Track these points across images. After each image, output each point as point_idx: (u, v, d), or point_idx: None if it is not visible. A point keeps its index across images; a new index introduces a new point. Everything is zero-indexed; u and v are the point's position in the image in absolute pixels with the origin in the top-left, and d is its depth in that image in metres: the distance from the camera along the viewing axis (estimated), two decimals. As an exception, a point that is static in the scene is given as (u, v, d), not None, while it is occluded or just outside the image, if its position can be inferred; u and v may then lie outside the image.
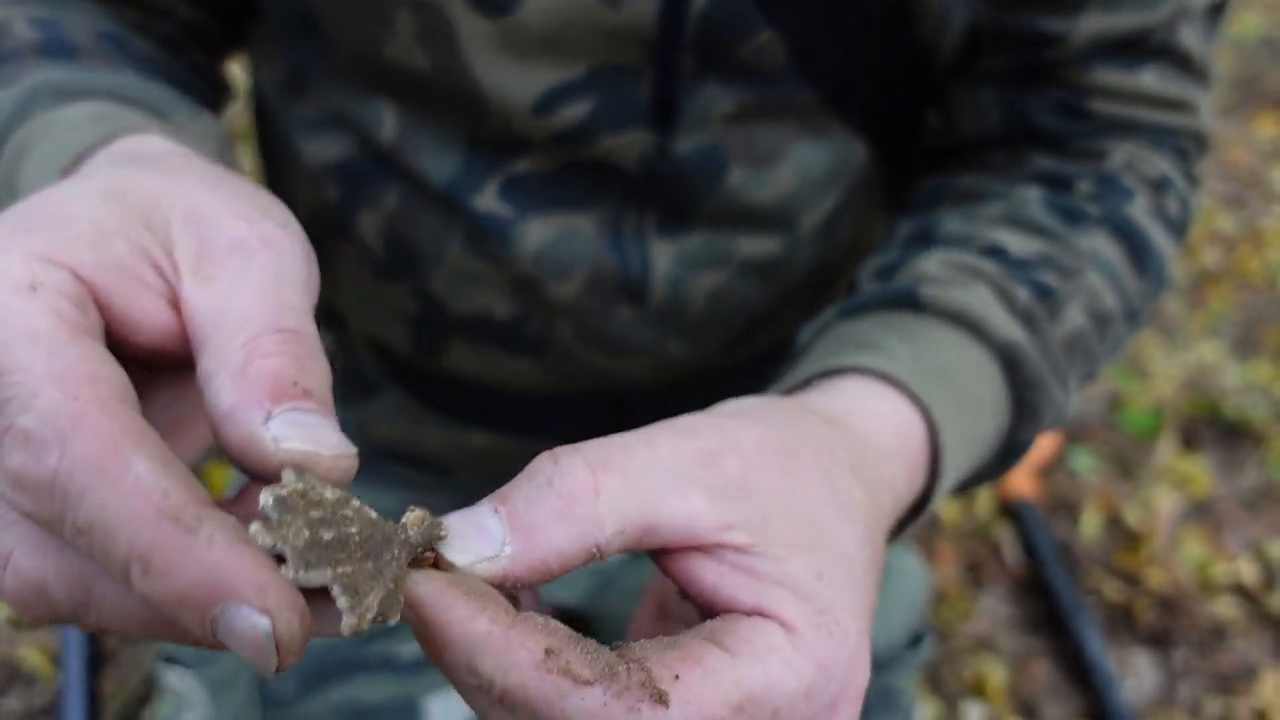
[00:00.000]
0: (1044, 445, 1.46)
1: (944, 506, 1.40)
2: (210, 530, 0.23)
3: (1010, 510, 1.38)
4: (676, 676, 0.27)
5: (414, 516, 0.27)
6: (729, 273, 0.59)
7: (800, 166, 0.56)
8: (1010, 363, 0.46)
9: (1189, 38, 0.54)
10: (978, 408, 0.45)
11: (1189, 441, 1.56)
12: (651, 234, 0.56)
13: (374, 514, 0.27)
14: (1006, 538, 1.37)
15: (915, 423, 0.41)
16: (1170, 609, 1.30)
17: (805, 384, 0.43)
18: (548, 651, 0.26)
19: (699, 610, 0.32)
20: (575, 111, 0.51)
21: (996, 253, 0.50)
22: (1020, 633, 1.27)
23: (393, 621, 0.26)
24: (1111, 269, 0.52)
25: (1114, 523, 1.42)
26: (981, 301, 0.47)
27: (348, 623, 0.24)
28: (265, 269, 0.28)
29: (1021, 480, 1.39)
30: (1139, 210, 0.54)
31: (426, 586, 0.27)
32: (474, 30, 0.48)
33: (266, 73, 0.59)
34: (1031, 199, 0.54)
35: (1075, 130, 0.56)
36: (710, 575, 0.30)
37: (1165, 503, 1.43)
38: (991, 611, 1.30)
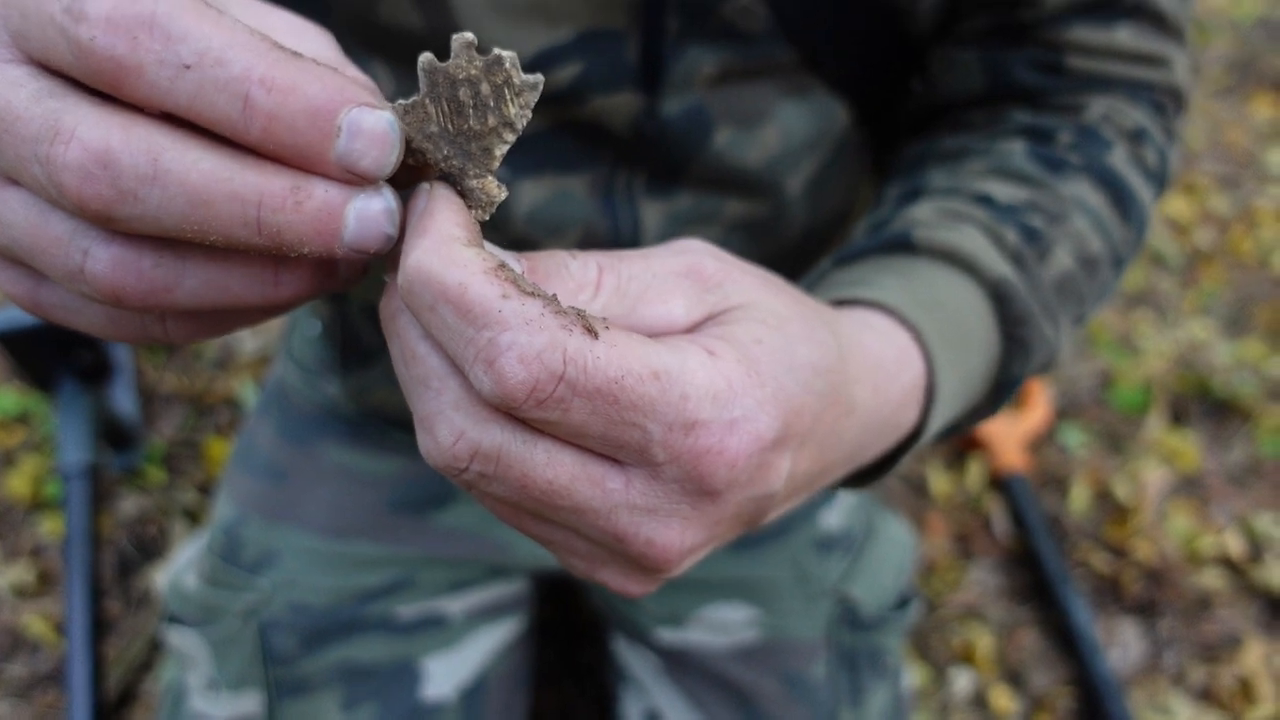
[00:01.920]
0: (1035, 420, 1.48)
1: (935, 479, 1.42)
2: (311, 60, 0.26)
3: (1000, 483, 1.40)
4: (606, 327, 0.29)
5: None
6: (719, 230, 0.60)
7: (783, 128, 0.57)
8: (1000, 298, 0.47)
9: None
10: (969, 340, 0.46)
11: (1178, 417, 1.58)
12: (641, 194, 0.57)
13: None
14: (996, 510, 1.39)
15: (911, 348, 0.42)
16: (1157, 580, 1.32)
17: None
18: (500, 265, 0.28)
19: None
20: (565, 73, 0.52)
21: (984, 200, 0.52)
22: (1008, 602, 1.29)
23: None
24: (1096, 214, 0.54)
25: (1103, 496, 1.43)
26: (971, 241, 0.48)
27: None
28: None
29: (1012, 454, 1.41)
30: (1118, 159, 0.55)
31: (443, 189, 0.30)
32: None
33: None
34: (1015, 151, 0.55)
35: (1053, 86, 0.57)
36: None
37: (1153, 477, 1.44)
38: (980, 582, 1.31)
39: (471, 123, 0.29)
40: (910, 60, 0.61)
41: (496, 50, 0.28)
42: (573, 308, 0.28)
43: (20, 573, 1.21)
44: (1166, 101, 0.59)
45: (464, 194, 0.30)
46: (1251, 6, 2.89)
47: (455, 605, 0.80)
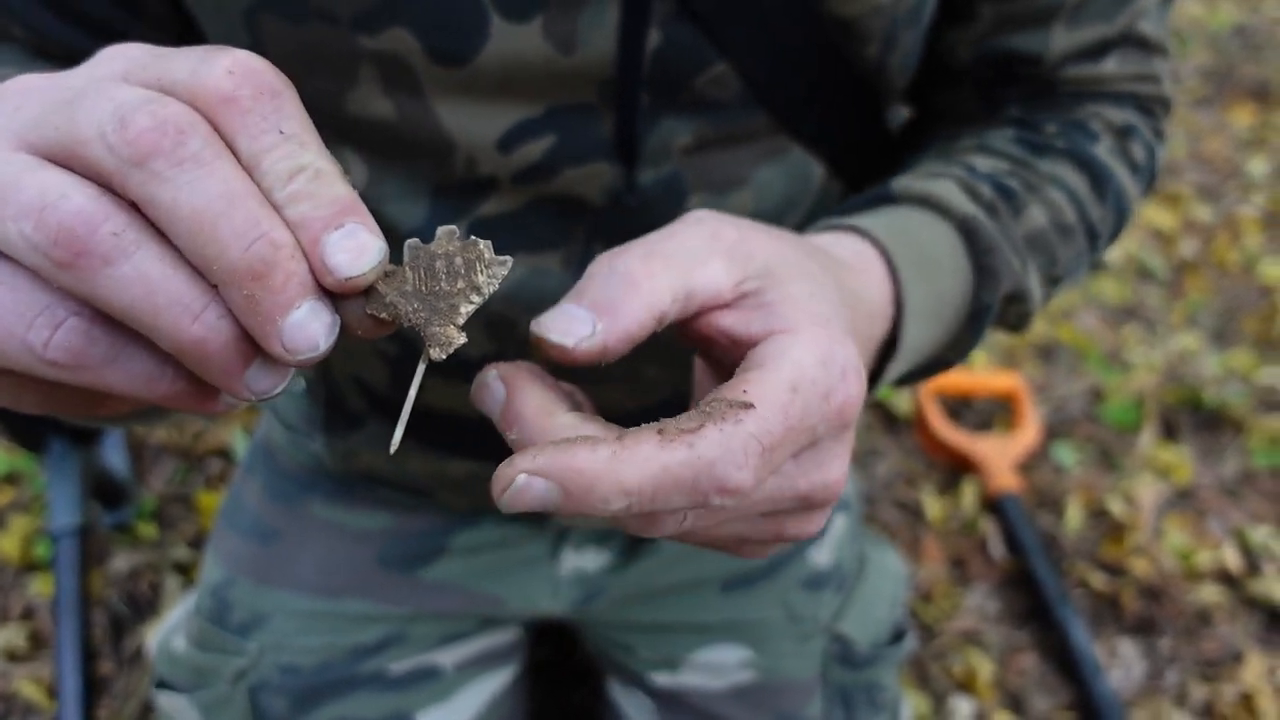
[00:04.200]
0: (1027, 440, 1.48)
1: (929, 503, 1.42)
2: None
3: (994, 505, 1.40)
4: (744, 390, 0.33)
5: (444, 231, 0.33)
6: None
7: (759, 190, 0.57)
8: (967, 232, 0.52)
9: (1145, 26, 0.59)
10: (937, 263, 0.50)
11: (1170, 431, 1.58)
12: None
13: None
14: (991, 533, 1.39)
15: (868, 249, 0.47)
16: (1155, 597, 1.31)
17: None
18: (659, 431, 0.32)
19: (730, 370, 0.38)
20: (537, 147, 0.52)
21: (965, 166, 0.56)
22: (1007, 626, 1.29)
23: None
24: (1072, 190, 0.58)
25: (1098, 514, 1.43)
26: (945, 188, 0.53)
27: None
28: None
29: (1005, 475, 1.41)
30: (1102, 149, 0.60)
31: (509, 370, 0.36)
32: (435, 76, 0.50)
33: None
34: (1003, 135, 0.60)
35: (1047, 104, 0.62)
36: (731, 320, 0.37)
37: (1148, 492, 1.44)
38: (978, 607, 1.31)
39: (444, 284, 0.33)
40: (884, 109, 0.62)
41: (474, 237, 0.33)
42: (712, 400, 0.33)
43: (10, 635, 1.20)
44: (1154, 106, 0.63)
45: (426, 338, 0.33)
46: (1227, 15, 2.92)
47: (447, 657, 0.79)
